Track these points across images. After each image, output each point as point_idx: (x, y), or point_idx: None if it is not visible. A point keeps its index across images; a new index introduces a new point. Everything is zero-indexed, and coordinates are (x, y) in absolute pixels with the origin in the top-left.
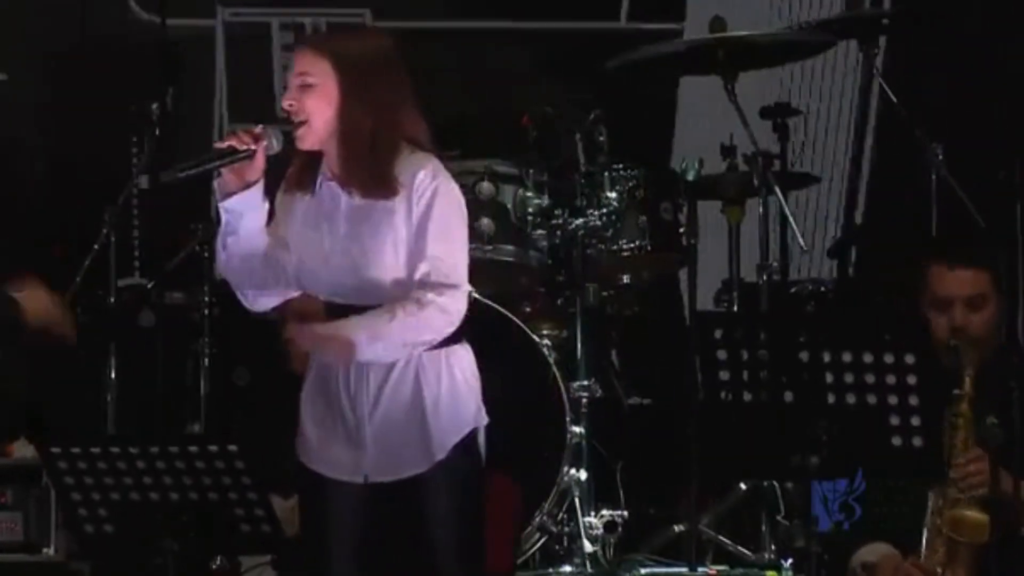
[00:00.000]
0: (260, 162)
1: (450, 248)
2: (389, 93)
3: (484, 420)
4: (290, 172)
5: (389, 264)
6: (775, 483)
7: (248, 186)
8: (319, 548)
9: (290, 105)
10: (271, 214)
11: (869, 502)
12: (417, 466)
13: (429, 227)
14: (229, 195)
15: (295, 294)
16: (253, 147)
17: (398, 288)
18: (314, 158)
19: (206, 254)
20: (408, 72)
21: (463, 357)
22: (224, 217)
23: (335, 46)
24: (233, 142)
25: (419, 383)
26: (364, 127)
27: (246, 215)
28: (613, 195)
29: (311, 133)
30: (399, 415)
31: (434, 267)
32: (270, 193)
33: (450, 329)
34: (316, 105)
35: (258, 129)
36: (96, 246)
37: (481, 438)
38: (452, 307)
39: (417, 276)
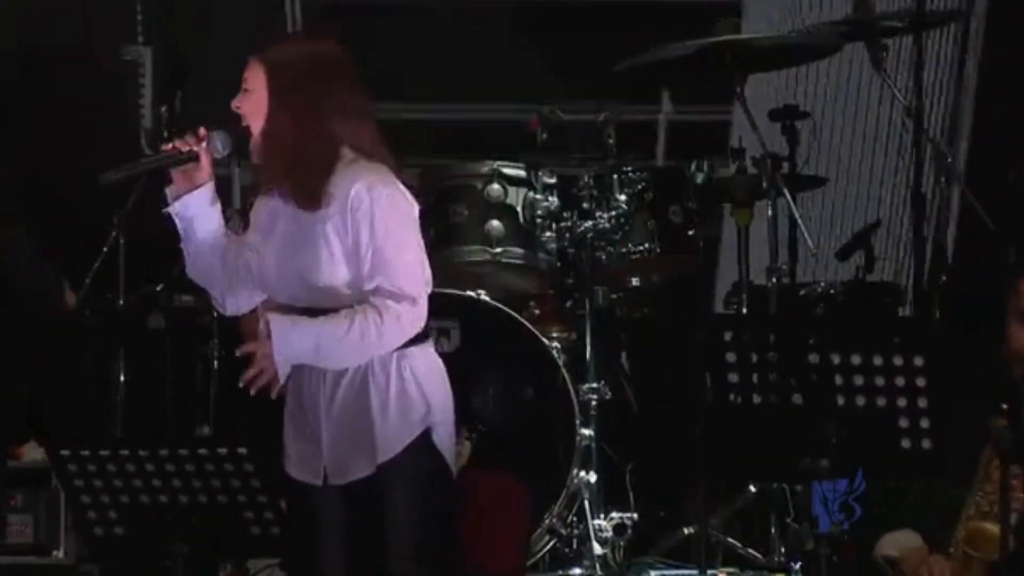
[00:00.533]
0: (206, 164)
1: (400, 259)
2: (319, 101)
3: (436, 420)
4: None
5: (326, 274)
6: (784, 485)
7: (196, 188)
8: (306, 551)
9: (236, 108)
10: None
11: (869, 502)
12: (364, 469)
13: (374, 242)
14: (178, 198)
15: (263, 298)
16: (195, 149)
17: (341, 297)
18: None
19: None
20: (355, 79)
21: (417, 359)
22: (178, 225)
23: (270, 53)
24: (177, 143)
25: (366, 385)
26: (288, 135)
27: (196, 220)
28: (622, 198)
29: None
30: (348, 417)
31: (386, 280)
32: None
33: (403, 339)
34: (251, 111)
35: (202, 131)
36: (105, 249)
37: (438, 437)
38: (405, 319)
39: (369, 287)
